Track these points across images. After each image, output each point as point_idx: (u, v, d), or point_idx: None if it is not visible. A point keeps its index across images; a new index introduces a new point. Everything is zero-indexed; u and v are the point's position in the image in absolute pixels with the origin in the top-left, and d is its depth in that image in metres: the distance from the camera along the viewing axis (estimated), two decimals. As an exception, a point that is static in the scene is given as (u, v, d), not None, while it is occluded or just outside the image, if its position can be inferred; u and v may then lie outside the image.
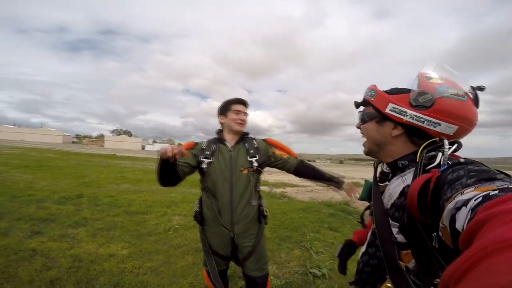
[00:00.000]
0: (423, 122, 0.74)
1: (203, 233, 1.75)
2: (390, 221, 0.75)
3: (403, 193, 0.75)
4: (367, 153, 0.92)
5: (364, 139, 0.92)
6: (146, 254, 3.18)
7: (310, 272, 2.98)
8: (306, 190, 10.51)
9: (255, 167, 1.67)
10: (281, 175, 13.14)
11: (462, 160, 0.64)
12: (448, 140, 0.73)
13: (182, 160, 1.58)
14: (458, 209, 0.45)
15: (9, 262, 2.63)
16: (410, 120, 0.75)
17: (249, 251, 1.70)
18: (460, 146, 0.73)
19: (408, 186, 0.73)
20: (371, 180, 0.95)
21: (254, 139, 1.80)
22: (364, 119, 0.90)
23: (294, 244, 3.89)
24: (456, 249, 0.42)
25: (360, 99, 0.93)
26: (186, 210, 5.47)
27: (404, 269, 0.67)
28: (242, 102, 1.74)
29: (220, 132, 1.79)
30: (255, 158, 1.68)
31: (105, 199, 5.85)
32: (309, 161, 2.06)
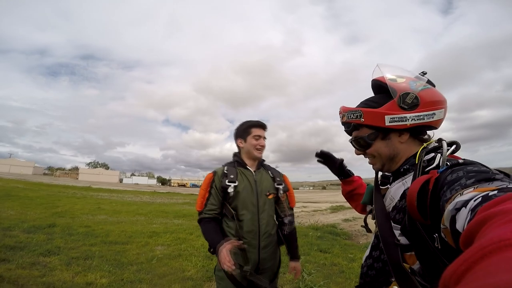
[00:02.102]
0: (423, 119, 0.76)
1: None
2: (392, 223, 0.75)
3: (404, 196, 0.75)
4: (380, 169, 0.90)
5: (368, 159, 0.91)
6: (128, 283, 2.92)
7: (305, 295, 2.84)
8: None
9: (280, 194, 1.67)
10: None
11: (461, 161, 0.64)
12: (441, 123, 0.80)
13: (210, 206, 1.55)
14: (458, 210, 0.46)
15: (-31, 290, 2.31)
16: (413, 122, 0.76)
17: (274, 273, 1.66)
18: (458, 147, 0.74)
19: (409, 188, 0.70)
20: (373, 184, 0.95)
21: (275, 168, 1.80)
22: (367, 143, 0.85)
23: (286, 268, 3.72)
24: (458, 250, 0.40)
25: (339, 126, 0.93)
26: (169, 240, 5.16)
27: (409, 271, 0.66)
28: (262, 126, 1.68)
29: (238, 155, 1.71)
30: (282, 186, 1.69)
31: (81, 229, 5.42)
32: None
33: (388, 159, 0.84)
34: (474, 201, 0.43)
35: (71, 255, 3.64)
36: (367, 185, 1.04)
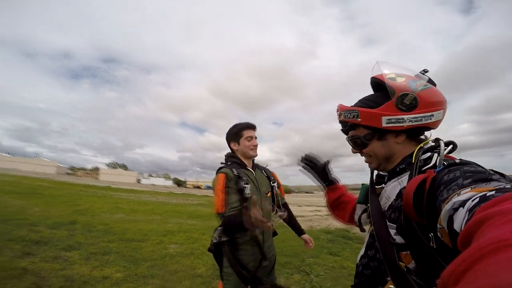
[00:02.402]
0: (421, 120, 0.75)
1: (235, 258, 1.58)
2: (388, 222, 0.75)
3: (399, 195, 0.75)
4: (376, 168, 0.90)
5: (363, 158, 0.91)
6: (141, 278, 3.04)
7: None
8: (304, 220, 10.28)
9: (276, 191, 1.81)
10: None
11: (457, 161, 0.64)
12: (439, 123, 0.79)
13: (231, 204, 1.53)
14: (455, 210, 0.46)
15: (-2, 279, 2.49)
16: (410, 124, 0.75)
17: (273, 263, 1.77)
18: (455, 147, 0.73)
19: (405, 187, 0.71)
20: (368, 183, 0.95)
21: (266, 167, 1.93)
22: (364, 142, 0.85)
23: (294, 269, 3.80)
24: (455, 250, 0.41)
25: (337, 126, 0.93)
26: (183, 239, 5.30)
27: (405, 270, 0.65)
28: (252, 127, 1.79)
29: (236, 156, 1.78)
30: (275, 184, 1.83)
31: (100, 227, 5.67)
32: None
33: (384, 159, 0.84)
34: (472, 201, 0.43)
35: (90, 251, 3.83)
36: (362, 184, 1.03)
